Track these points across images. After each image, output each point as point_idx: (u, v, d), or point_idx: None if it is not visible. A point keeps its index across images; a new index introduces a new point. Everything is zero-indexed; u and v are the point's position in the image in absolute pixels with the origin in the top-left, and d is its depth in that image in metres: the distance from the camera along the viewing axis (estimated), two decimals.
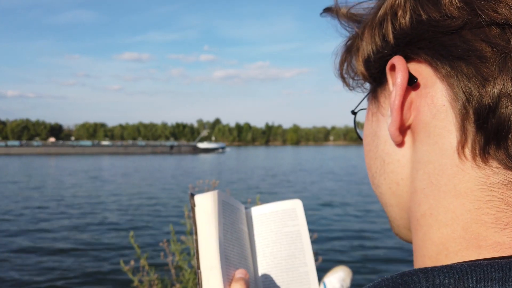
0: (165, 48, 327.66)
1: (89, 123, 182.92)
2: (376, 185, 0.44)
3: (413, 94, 0.37)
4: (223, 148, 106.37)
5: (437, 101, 0.35)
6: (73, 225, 11.59)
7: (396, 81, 0.37)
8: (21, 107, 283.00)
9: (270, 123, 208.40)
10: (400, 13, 0.37)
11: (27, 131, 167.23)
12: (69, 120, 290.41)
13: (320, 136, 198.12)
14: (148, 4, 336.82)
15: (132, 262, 3.38)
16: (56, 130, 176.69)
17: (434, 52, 0.35)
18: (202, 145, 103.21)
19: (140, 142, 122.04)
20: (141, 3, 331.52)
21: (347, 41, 0.47)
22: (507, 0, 0.31)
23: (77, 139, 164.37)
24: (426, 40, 0.35)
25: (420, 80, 0.37)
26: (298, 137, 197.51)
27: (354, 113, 0.51)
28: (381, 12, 0.39)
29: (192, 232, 0.66)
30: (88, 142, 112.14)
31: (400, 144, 0.39)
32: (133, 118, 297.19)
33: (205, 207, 0.67)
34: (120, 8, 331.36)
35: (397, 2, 0.37)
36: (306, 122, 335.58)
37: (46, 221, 12.23)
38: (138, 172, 33.21)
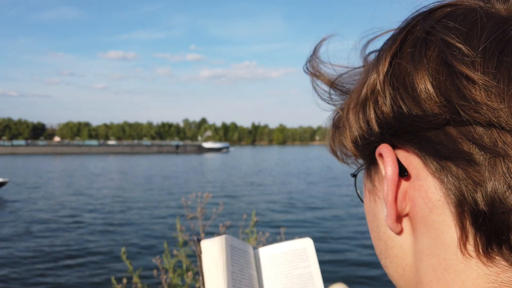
0: (151, 47, 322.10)
1: (72, 122, 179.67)
2: (384, 266, 0.43)
3: (405, 184, 0.36)
4: (227, 147, 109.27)
5: (431, 195, 0.34)
6: (61, 240, 10.95)
7: (386, 175, 0.36)
8: (3, 106, 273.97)
9: (256, 123, 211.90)
10: (381, 101, 0.36)
11: (9, 130, 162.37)
12: (53, 119, 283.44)
13: (306, 136, 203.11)
14: (133, 2, 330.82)
15: (125, 280, 3.33)
16: (39, 129, 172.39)
17: (421, 147, 0.34)
18: (207, 144, 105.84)
19: (146, 141, 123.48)
20: (127, 1, 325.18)
21: (334, 116, 0.46)
22: (487, 102, 0.30)
23: (60, 138, 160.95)
24: (411, 133, 0.34)
25: (411, 170, 0.35)
26: (285, 137, 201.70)
27: (354, 175, 0.49)
28: (363, 93, 0.38)
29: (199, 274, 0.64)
30: (94, 142, 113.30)
31: (400, 232, 0.39)
32: (118, 117, 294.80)
33: (213, 254, 0.63)
34: (105, 5, 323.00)
35: (376, 88, 0.36)
36: (293, 122, 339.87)
37: (33, 229, 11.93)
38: (139, 173, 32.48)
